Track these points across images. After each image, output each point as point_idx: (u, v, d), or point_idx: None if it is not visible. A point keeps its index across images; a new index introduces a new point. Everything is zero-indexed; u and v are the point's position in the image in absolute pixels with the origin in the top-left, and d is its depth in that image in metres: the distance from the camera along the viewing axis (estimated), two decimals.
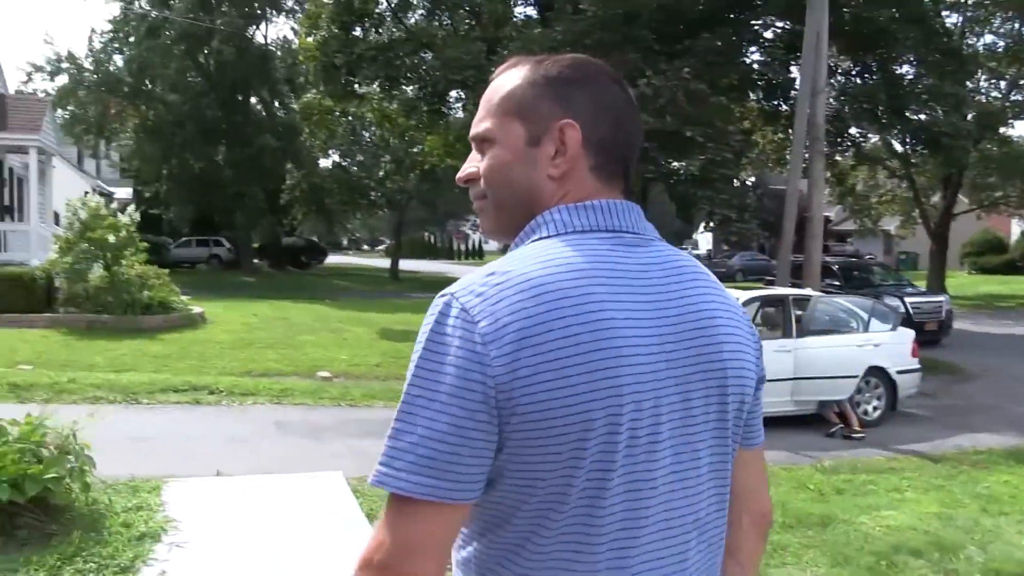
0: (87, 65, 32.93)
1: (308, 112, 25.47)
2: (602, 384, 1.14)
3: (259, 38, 36.88)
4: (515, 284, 1.17)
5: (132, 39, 32.26)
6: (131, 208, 17.81)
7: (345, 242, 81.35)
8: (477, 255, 72.65)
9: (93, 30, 42.54)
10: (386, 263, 44.42)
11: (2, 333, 14.92)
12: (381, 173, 34.75)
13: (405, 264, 43.16)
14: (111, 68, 33.41)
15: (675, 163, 17.44)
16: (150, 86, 33.72)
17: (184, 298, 18.82)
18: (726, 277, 33.00)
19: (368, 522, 5.45)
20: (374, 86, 22.27)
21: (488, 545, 1.23)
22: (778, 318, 10.58)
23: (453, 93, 21.10)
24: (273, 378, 11.57)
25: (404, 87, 21.58)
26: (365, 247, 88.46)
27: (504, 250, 1.36)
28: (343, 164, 38.93)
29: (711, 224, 25.69)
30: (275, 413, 9.47)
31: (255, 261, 39.88)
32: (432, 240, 75.60)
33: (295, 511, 5.67)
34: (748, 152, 20.08)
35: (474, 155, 1.37)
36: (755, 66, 18.99)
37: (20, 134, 20.69)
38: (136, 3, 33.31)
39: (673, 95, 15.20)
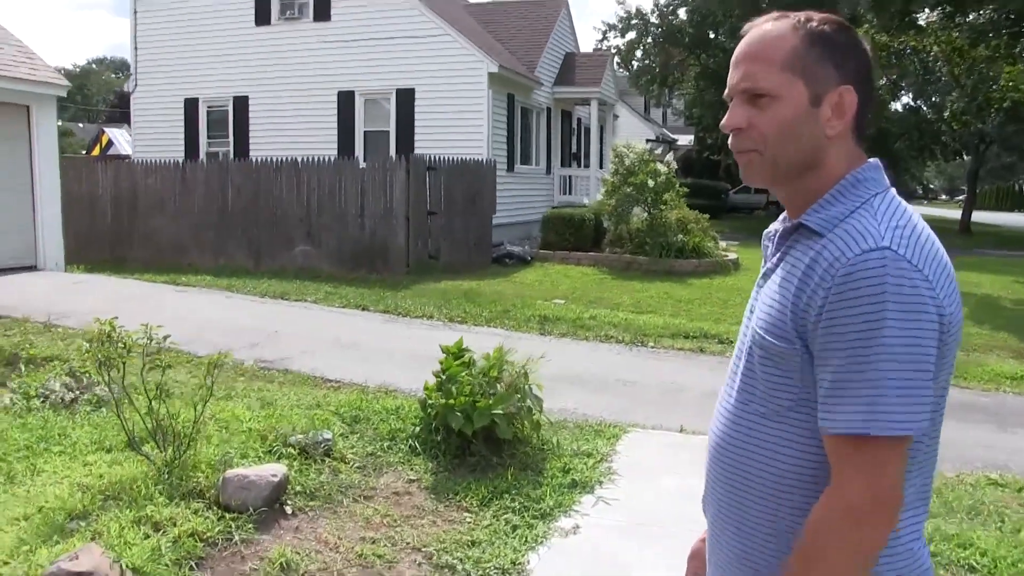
0: (653, 20, 34.41)
1: None
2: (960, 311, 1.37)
3: None
4: (924, 237, 1.34)
5: None
6: (670, 156, 18.08)
7: (920, 191, 75.36)
8: None
9: None
10: (959, 214, 39.99)
11: (553, 268, 16.30)
12: (946, 114, 30.86)
13: (982, 216, 38.25)
14: (674, 21, 34.48)
15: None
16: (711, 34, 34.14)
17: (722, 244, 18.72)
18: None
19: None
20: (933, 14, 19.63)
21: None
22: None
23: None
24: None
25: (971, 12, 18.61)
26: (943, 196, 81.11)
27: None
28: (914, 106, 35.56)
29: None
30: None
31: None
32: (1021, 189, 66.38)
33: None
34: None
35: (739, 105, 1.45)
36: None
37: (584, 87, 22.53)
38: None
39: None
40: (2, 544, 3.46)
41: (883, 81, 31.96)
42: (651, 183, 16.59)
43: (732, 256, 17.34)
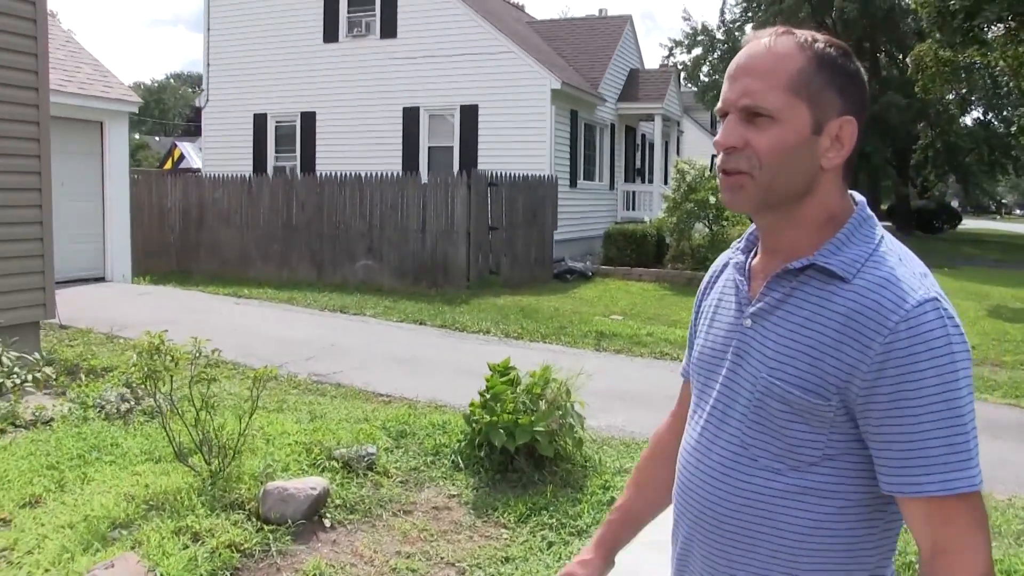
0: (719, 36, 34.19)
1: (920, 64, 22.83)
2: None
3: None
4: (938, 288, 1.30)
5: (759, 6, 32.62)
6: None
7: (992, 206, 73.17)
8: None
9: (724, 1, 44.06)
10: None
11: (613, 284, 16.24)
12: (1013, 128, 30.00)
13: None
14: (739, 36, 34.22)
15: None
16: None
17: None
18: None
19: None
20: (998, 28, 19.10)
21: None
22: None
23: None
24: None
25: None
26: (1017, 211, 78.63)
27: None
28: (984, 120, 34.63)
29: None
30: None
31: (882, 224, 37.72)
32: None
33: None
34: None
35: (736, 123, 1.35)
36: None
37: (647, 103, 22.45)
38: None
39: None
40: (46, 551, 3.55)
41: (951, 96, 31.20)
42: (712, 199, 16.44)
43: None
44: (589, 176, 20.92)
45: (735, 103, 1.34)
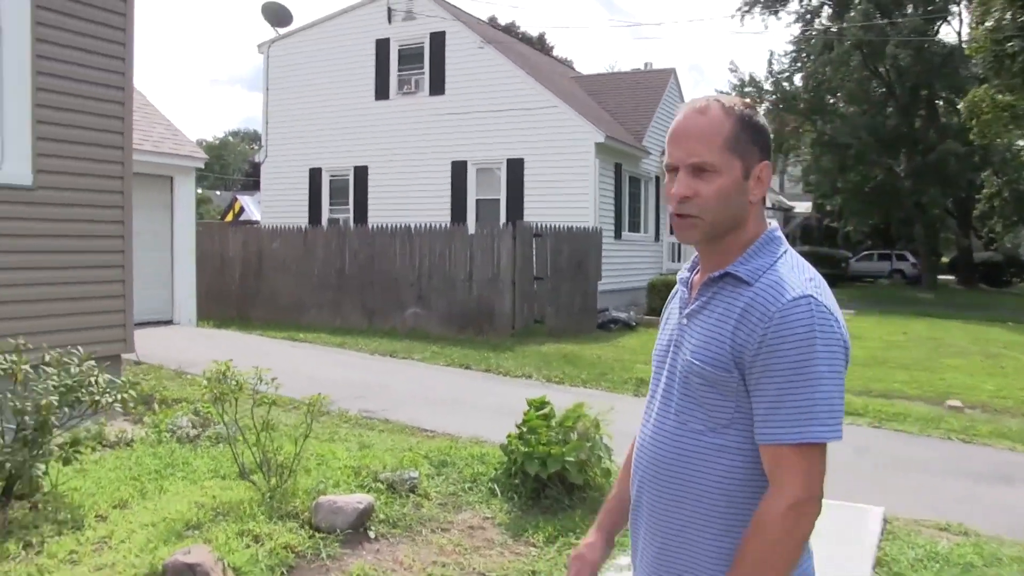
0: (767, 87, 34.59)
1: (975, 110, 22.43)
2: None
3: (945, 34, 34.37)
4: (826, 285, 1.73)
5: (809, 56, 32.92)
6: (772, 222, 18.16)
7: None
8: None
9: (772, 52, 44.40)
10: None
11: (656, 334, 16.54)
12: None
13: None
14: (787, 87, 34.56)
15: None
16: (828, 99, 34.04)
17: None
18: None
19: (871, 572, 4.83)
20: None
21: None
22: None
23: None
24: (892, 400, 10.75)
25: None
26: None
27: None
28: None
29: None
30: (862, 437, 8.67)
31: (941, 277, 36.97)
32: None
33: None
34: None
35: (686, 177, 1.73)
36: None
37: None
38: (815, 20, 33.95)
39: None
40: (134, 541, 4.24)
41: (1022, 143, 30.35)
42: None
43: None
44: (634, 228, 21.42)
45: (684, 161, 1.72)
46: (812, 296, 1.64)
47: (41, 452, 4.59)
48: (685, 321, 1.82)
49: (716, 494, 1.71)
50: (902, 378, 12.31)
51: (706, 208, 1.72)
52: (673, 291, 2.01)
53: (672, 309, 1.96)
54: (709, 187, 1.71)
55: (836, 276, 36.89)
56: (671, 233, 23.92)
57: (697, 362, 1.73)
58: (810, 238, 44.72)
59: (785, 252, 1.76)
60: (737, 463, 1.71)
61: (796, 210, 42.76)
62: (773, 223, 1.84)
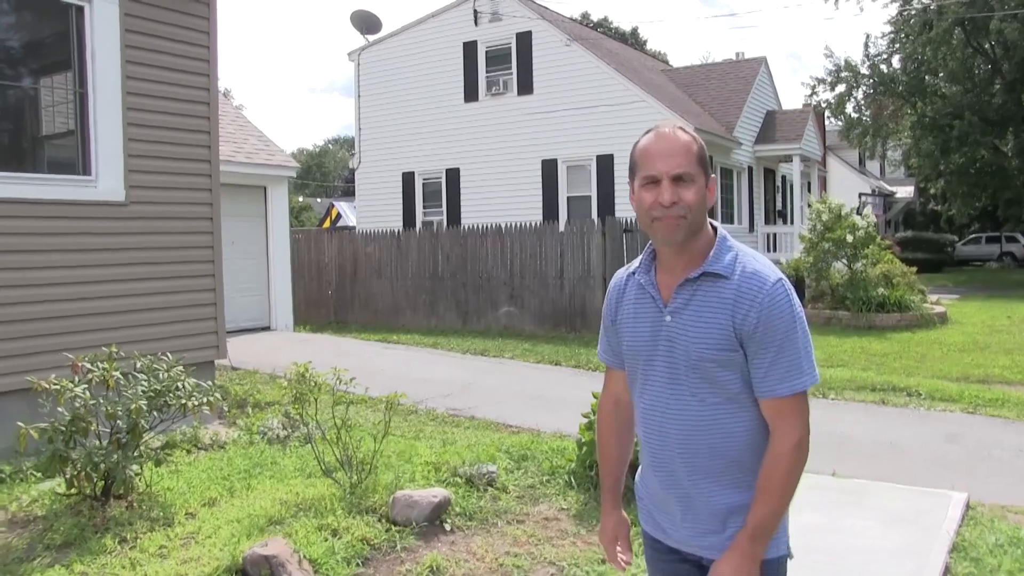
0: (863, 71, 33.47)
1: None
2: None
3: None
4: (779, 269, 2.12)
5: (907, 37, 31.70)
6: (868, 209, 17.75)
7: None
8: None
9: (868, 35, 42.90)
10: None
11: None
12: None
13: None
14: (885, 69, 33.37)
15: None
16: (929, 80, 32.74)
17: (933, 298, 18.05)
18: None
19: (944, 556, 4.70)
20: None
21: None
22: None
23: None
24: (991, 385, 10.36)
25: None
26: None
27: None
28: None
29: None
30: (956, 424, 8.44)
31: None
32: None
33: (876, 527, 5.14)
34: None
35: (672, 185, 2.06)
36: None
37: (784, 144, 22.52)
38: (913, 0, 32.69)
39: None
40: (219, 536, 4.50)
41: None
42: (850, 238, 16.39)
43: (939, 310, 16.66)
44: (727, 219, 21.13)
45: (670, 172, 2.07)
46: (782, 277, 2.08)
47: (134, 454, 4.86)
48: (669, 319, 2.14)
49: (744, 446, 2.12)
50: (1003, 363, 11.84)
51: (689, 210, 2.07)
52: (619, 291, 2.31)
53: (634, 307, 2.24)
54: (690, 193, 2.07)
55: (941, 261, 35.54)
56: (765, 223, 23.51)
57: (708, 351, 2.07)
58: (913, 223, 43.20)
59: (737, 247, 2.16)
60: (752, 417, 2.12)
61: (898, 195, 41.35)
62: (717, 224, 2.22)
